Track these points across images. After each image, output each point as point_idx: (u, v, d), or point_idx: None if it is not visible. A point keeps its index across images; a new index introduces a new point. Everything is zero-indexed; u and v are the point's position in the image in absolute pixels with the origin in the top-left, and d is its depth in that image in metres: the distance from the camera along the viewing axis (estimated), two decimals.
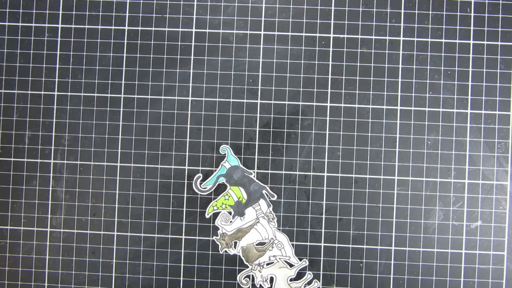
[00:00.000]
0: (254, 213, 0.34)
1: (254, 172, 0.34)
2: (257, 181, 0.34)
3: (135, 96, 0.36)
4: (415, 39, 0.35)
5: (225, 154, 0.34)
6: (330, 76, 0.35)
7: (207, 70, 0.36)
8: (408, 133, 0.35)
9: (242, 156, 0.35)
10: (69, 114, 0.36)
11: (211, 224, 0.35)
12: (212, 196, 0.35)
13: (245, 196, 0.34)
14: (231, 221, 0.34)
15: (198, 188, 0.34)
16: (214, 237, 0.34)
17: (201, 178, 0.34)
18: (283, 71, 0.35)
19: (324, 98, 0.35)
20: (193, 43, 0.36)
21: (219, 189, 0.34)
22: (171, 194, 0.35)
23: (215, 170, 0.34)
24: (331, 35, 0.35)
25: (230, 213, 0.34)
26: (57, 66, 0.36)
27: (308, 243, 0.35)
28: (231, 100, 0.35)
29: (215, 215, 0.34)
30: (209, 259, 0.35)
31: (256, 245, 0.34)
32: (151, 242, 0.35)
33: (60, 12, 0.36)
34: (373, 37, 0.35)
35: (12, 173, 0.36)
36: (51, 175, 0.36)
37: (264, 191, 0.34)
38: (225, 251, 0.34)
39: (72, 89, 0.36)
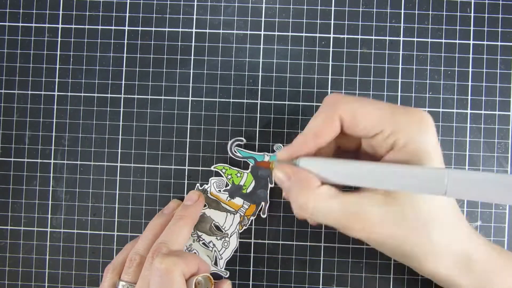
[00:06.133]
0: (240, 202, 0.34)
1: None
2: (267, 192, 0.34)
3: (135, 96, 0.36)
4: (415, 39, 0.35)
5: (276, 150, 0.34)
6: (330, 76, 0.35)
7: (207, 70, 0.36)
8: None
9: None
10: (69, 114, 0.36)
11: None
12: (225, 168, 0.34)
13: (248, 191, 0.34)
14: (219, 190, 0.34)
15: (231, 149, 0.34)
16: (197, 185, 0.34)
17: (242, 142, 0.34)
18: (283, 71, 0.35)
19: None
20: (193, 43, 0.36)
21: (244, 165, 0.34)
22: (171, 194, 0.35)
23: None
24: (331, 35, 0.35)
25: (227, 185, 0.34)
26: (57, 66, 0.36)
27: (308, 243, 0.35)
28: (231, 100, 0.35)
29: (215, 174, 0.35)
30: None
31: (213, 224, 0.34)
32: None
33: (60, 12, 0.36)
34: (373, 37, 0.35)
35: (12, 173, 0.36)
36: (51, 175, 0.36)
37: (262, 204, 0.34)
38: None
39: (72, 89, 0.36)
